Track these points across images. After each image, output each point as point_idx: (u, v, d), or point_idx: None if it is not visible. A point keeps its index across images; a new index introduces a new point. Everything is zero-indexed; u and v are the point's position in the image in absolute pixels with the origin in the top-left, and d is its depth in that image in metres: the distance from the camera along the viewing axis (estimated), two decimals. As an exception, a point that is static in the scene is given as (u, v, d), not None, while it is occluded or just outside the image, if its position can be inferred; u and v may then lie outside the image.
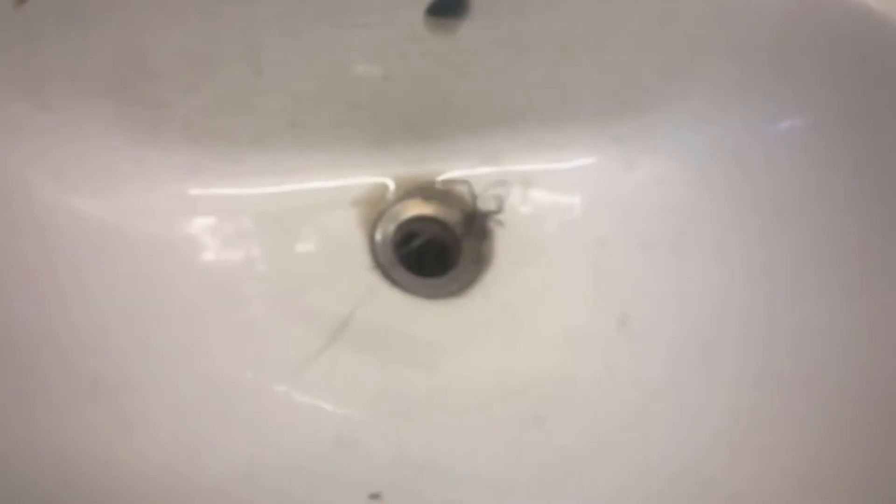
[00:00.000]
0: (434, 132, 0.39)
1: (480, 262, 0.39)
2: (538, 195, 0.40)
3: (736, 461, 0.33)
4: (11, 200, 0.30)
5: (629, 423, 0.34)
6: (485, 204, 0.39)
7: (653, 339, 0.37)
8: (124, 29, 0.29)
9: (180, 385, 0.31)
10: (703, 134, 0.40)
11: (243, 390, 0.32)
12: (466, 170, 0.40)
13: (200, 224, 0.35)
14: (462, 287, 0.38)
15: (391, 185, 0.39)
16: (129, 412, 0.30)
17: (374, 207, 0.39)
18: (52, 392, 0.27)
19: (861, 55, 0.35)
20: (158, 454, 0.29)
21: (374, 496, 0.30)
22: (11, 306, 0.28)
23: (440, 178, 0.40)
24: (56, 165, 0.31)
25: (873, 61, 0.35)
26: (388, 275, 0.38)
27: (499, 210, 0.39)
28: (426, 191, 0.40)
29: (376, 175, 0.39)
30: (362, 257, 0.38)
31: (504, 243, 0.39)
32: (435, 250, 0.40)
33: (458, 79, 0.37)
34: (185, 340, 0.32)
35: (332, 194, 0.38)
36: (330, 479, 0.30)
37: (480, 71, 0.36)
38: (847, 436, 0.33)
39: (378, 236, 0.38)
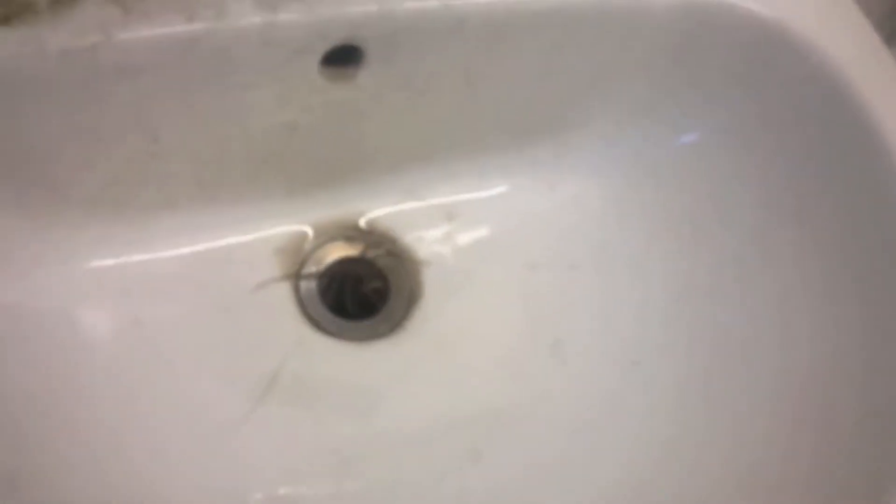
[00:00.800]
0: (349, 174, 0.39)
1: (410, 298, 0.39)
2: (463, 225, 0.41)
3: (670, 477, 0.33)
4: None
5: (567, 450, 0.35)
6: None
7: (584, 361, 0.38)
8: (6, 116, 0.29)
9: (104, 465, 0.31)
10: (617, 151, 0.40)
11: (172, 462, 0.32)
12: (387, 207, 0.40)
13: (114, 294, 0.35)
14: (392, 327, 0.38)
15: (310, 232, 0.39)
16: (52, 498, 0.29)
17: (296, 256, 0.39)
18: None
19: (761, 62, 0.36)
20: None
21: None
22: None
23: (361, 219, 0.40)
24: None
25: (772, 68, 0.36)
26: (315, 322, 0.38)
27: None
28: (348, 232, 0.40)
29: (294, 223, 0.39)
30: (288, 307, 0.38)
31: (432, 277, 0.39)
32: (363, 292, 0.40)
33: (366, 122, 0.37)
34: (107, 417, 0.32)
35: (250, 248, 0.38)
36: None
37: (387, 112, 0.37)
38: (781, 435, 0.34)
39: (303, 284, 0.38)
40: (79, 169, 0.31)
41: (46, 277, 0.33)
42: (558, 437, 0.35)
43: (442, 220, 0.40)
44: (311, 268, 0.39)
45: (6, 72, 0.28)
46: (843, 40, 0.35)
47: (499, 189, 0.41)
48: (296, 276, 0.38)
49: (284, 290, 0.38)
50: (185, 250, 0.36)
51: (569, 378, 0.37)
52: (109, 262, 0.35)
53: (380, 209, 0.40)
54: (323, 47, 0.32)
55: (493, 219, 0.41)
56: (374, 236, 0.40)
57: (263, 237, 0.38)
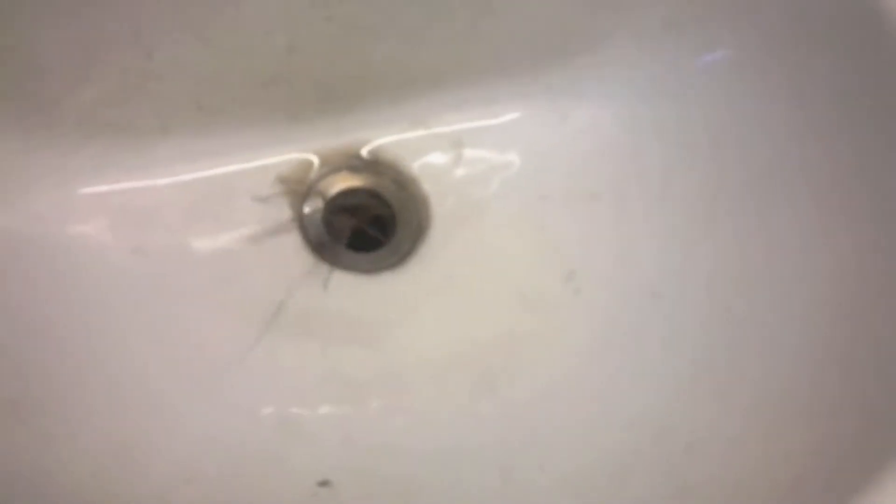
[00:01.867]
0: (354, 100, 0.38)
1: (418, 229, 0.38)
2: (472, 154, 0.39)
3: (695, 409, 0.32)
4: None
5: (582, 381, 0.34)
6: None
7: (601, 292, 0.37)
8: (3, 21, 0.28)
9: (108, 392, 0.30)
10: (635, 75, 0.39)
11: (177, 390, 0.31)
12: (393, 136, 0.39)
13: (114, 221, 0.34)
14: (400, 258, 0.37)
15: (315, 160, 0.38)
16: (56, 427, 0.28)
17: (300, 184, 0.38)
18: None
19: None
20: (91, 464, 0.28)
21: (323, 483, 0.29)
22: None
23: (366, 147, 0.38)
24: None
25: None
26: (321, 253, 0.37)
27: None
28: (353, 162, 0.38)
29: (297, 151, 0.37)
30: (292, 237, 0.37)
31: (440, 208, 0.38)
32: (369, 223, 0.39)
33: (372, 42, 0.35)
34: (109, 344, 0.31)
35: (251, 176, 0.37)
36: (276, 471, 0.30)
37: (395, 31, 0.35)
38: (808, 364, 0.33)
39: (307, 213, 0.37)
40: (72, 85, 0.30)
41: (42, 202, 0.32)
42: (574, 368, 0.34)
43: (450, 148, 0.39)
44: (316, 197, 0.38)
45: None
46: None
47: (510, 116, 0.40)
48: (300, 205, 0.37)
49: (288, 220, 0.37)
50: (185, 177, 0.35)
51: (585, 309, 0.36)
52: (105, 188, 0.34)
53: (386, 137, 0.38)
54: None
55: (505, 148, 0.40)
56: (379, 165, 0.39)
57: (266, 165, 0.37)
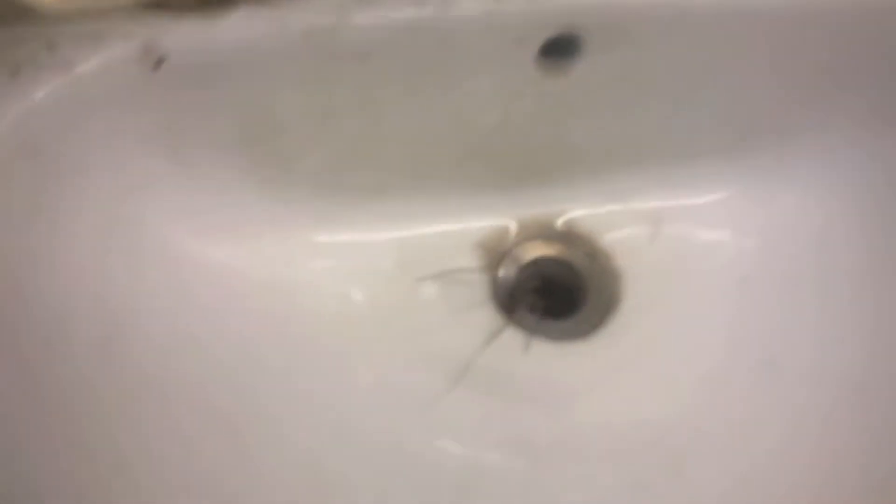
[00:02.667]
0: (554, 173, 0.39)
1: (609, 303, 0.38)
2: (670, 232, 0.39)
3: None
4: (148, 249, 0.33)
5: (772, 473, 0.32)
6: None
7: (798, 382, 0.35)
8: (251, 89, 0.32)
9: (309, 425, 0.32)
10: (844, 163, 0.38)
11: (370, 434, 0.33)
12: (589, 209, 0.40)
13: (326, 269, 0.37)
14: (589, 329, 0.38)
15: (513, 227, 0.39)
16: (258, 446, 0.31)
17: (496, 249, 0.39)
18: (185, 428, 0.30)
19: None
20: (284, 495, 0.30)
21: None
22: (145, 349, 0.30)
23: (561, 218, 0.40)
24: (191, 218, 0.34)
25: None
26: (511, 317, 0.38)
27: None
28: (548, 232, 0.40)
29: (497, 218, 0.39)
30: (485, 300, 0.38)
31: (634, 283, 0.38)
32: (560, 292, 0.39)
33: (577, 119, 0.37)
34: (310, 383, 0.34)
35: (453, 238, 0.39)
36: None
37: (598, 109, 0.37)
38: None
39: (501, 276, 0.39)
40: (307, 146, 0.34)
41: (267, 245, 0.36)
42: (763, 458, 0.33)
43: (648, 225, 0.39)
44: (510, 264, 0.39)
45: (252, 48, 0.31)
46: None
47: (712, 197, 0.39)
48: (495, 269, 0.39)
49: (483, 283, 0.39)
50: (395, 234, 0.38)
51: (777, 400, 0.34)
52: (325, 237, 0.37)
53: (582, 210, 0.40)
54: (542, 36, 0.33)
55: (704, 228, 0.39)
56: (575, 237, 0.40)
57: (467, 228, 0.39)
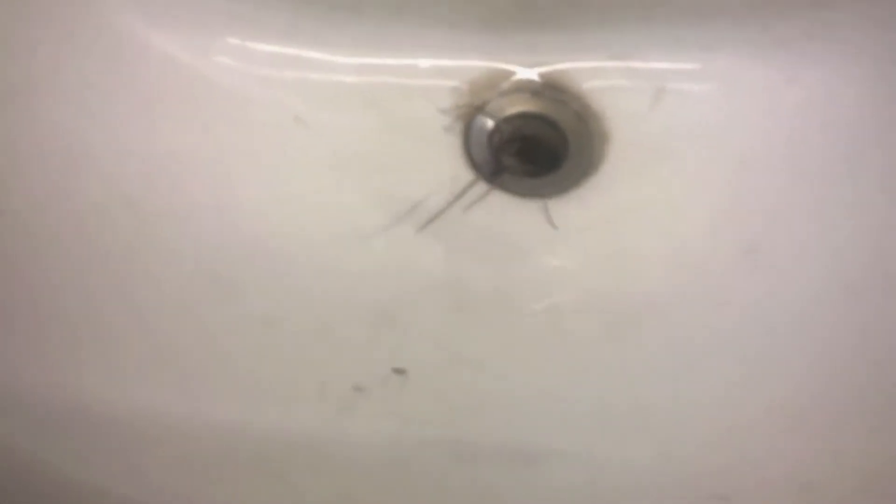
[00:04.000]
0: (553, 19, 0.35)
1: (587, 166, 0.35)
2: (671, 99, 0.35)
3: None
4: (96, 29, 0.31)
5: (726, 354, 0.28)
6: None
7: (784, 275, 0.31)
8: None
9: (232, 233, 0.30)
10: (885, 42, 0.32)
11: (296, 249, 0.31)
12: (587, 63, 0.36)
13: (290, 86, 0.35)
14: (558, 190, 0.34)
15: (498, 73, 0.36)
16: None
17: (475, 96, 0.36)
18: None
19: None
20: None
21: (399, 371, 0.27)
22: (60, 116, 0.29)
23: (554, 72, 0.36)
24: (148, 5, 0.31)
25: None
26: (479, 169, 0.35)
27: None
28: (535, 84, 0.36)
29: (483, 60, 0.36)
30: (453, 146, 0.35)
31: (620, 148, 0.35)
32: (539, 151, 0.36)
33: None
34: (244, 194, 0.32)
35: (432, 75, 0.36)
36: (359, 348, 0.28)
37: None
38: None
39: (476, 125, 0.35)
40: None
41: (227, 51, 0.34)
42: (723, 340, 0.29)
43: (647, 89, 0.35)
44: (487, 112, 0.36)
45: None
46: None
47: (727, 65, 0.35)
48: (469, 116, 0.36)
49: (456, 128, 0.35)
50: (365, 60, 0.35)
51: (754, 288, 0.30)
52: (293, 51, 0.35)
53: (578, 64, 0.36)
54: None
55: (710, 98, 0.35)
56: (564, 93, 0.36)
57: (448, 67, 0.36)
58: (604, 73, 0.36)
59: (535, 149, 0.36)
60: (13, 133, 0.27)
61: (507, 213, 0.34)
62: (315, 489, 0.21)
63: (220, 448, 0.21)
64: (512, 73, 0.36)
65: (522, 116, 0.36)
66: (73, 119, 0.29)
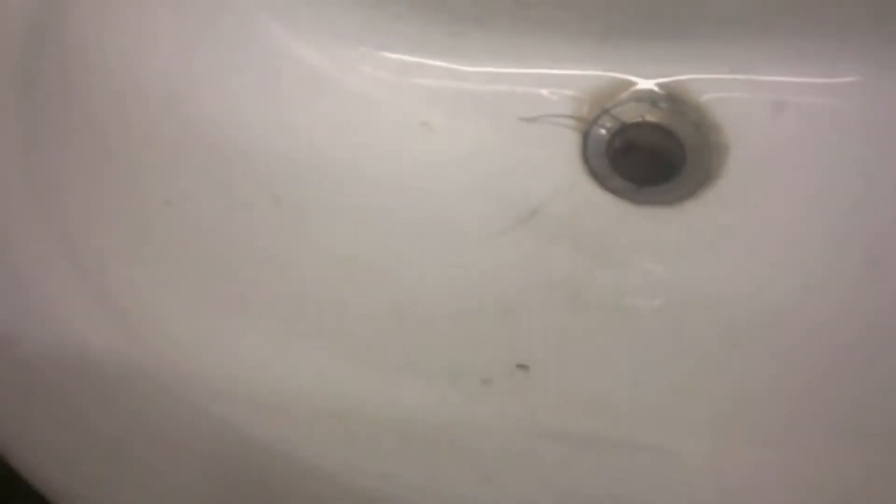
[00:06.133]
0: (675, 30, 0.36)
1: (705, 177, 0.35)
2: (791, 112, 0.35)
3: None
4: (243, 36, 0.33)
5: (846, 367, 0.28)
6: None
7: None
8: None
9: (353, 229, 0.32)
10: None
11: (424, 245, 0.33)
12: (707, 75, 0.36)
13: (414, 93, 0.36)
14: (676, 199, 0.35)
15: (616, 84, 0.37)
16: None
17: (595, 105, 0.37)
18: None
19: None
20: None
21: (522, 367, 0.28)
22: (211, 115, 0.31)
23: (675, 83, 0.36)
24: (286, 6, 0.34)
25: None
26: (596, 175, 0.36)
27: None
28: (655, 94, 0.37)
29: (604, 70, 0.37)
30: (572, 154, 0.36)
31: (739, 160, 0.35)
32: (656, 160, 0.37)
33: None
34: (365, 194, 0.33)
35: (552, 84, 0.37)
36: (481, 343, 0.29)
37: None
38: None
39: (594, 135, 0.36)
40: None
41: (360, 58, 0.36)
42: (838, 357, 0.29)
43: (766, 101, 0.36)
44: (606, 121, 0.37)
45: None
46: None
47: (849, 79, 0.35)
48: (589, 125, 0.37)
49: (574, 136, 0.36)
50: (488, 69, 0.37)
51: (876, 301, 0.30)
52: (419, 60, 0.36)
53: (697, 75, 0.36)
54: None
55: (834, 112, 0.35)
56: (683, 104, 0.36)
57: (568, 76, 0.37)
58: (723, 85, 0.36)
59: (654, 158, 0.37)
60: (178, 132, 0.30)
61: (624, 218, 0.34)
62: (456, 470, 0.22)
63: (368, 424, 0.23)
64: (632, 84, 0.37)
65: (641, 126, 0.37)
66: (227, 120, 0.32)
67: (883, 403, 0.27)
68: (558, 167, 0.36)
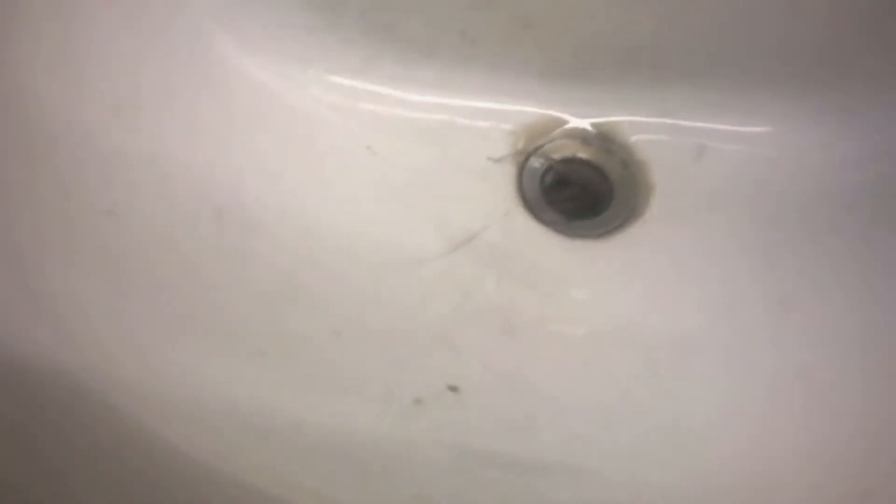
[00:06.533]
0: (608, 74, 0.38)
1: (630, 213, 0.37)
2: (712, 157, 0.38)
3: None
4: (193, 51, 0.33)
5: (761, 399, 0.30)
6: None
7: (810, 324, 0.33)
8: None
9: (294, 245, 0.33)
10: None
11: (360, 270, 0.33)
12: (635, 118, 0.38)
13: (360, 117, 0.37)
14: (602, 233, 0.37)
15: (551, 121, 0.39)
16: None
17: (531, 140, 0.39)
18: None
19: None
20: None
21: (453, 388, 0.29)
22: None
23: (605, 123, 0.39)
24: (239, 24, 0.34)
25: None
26: (529, 205, 0.37)
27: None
28: (586, 133, 0.39)
29: (540, 107, 0.39)
30: (507, 185, 0.38)
31: (663, 199, 0.37)
32: (586, 195, 0.39)
33: (641, 13, 0.35)
34: (310, 213, 0.34)
35: (492, 118, 0.38)
36: (411, 363, 0.30)
37: (665, 8, 0.35)
38: None
39: (529, 168, 0.38)
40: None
41: (310, 78, 0.37)
42: (755, 383, 0.31)
43: (690, 146, 0.38)
44: (540, 156, 0.38)
45: None
46: None
47: (763, 129, 0.38)
48: (524, 158, 0.38)
49: (509, 169, 0.38)
50: (433, 99, 0.38)
51: (781, 336, 0.33)
52: (366, 86, 0.37)
53: (627, 117, 0.38)
54: None
55: (749, 160, 0.38)
56: (612, 143, 0.39)
57: (506, 111, 0.38)
58: (650, 127, 0.39)
59: (584, 193, 0.39)
60: (119, 141, 0.30)
61: (554, 249, 0.36)
62: (387, 488, 0.23)
63: (302, 441, 0.23)
64: (565, 122, 0.39)
65: (572, 161, 0.39)
66: (170, 132, 0.32)
67: (788, 419, 0.29)
68: (495, 196, 0.37)
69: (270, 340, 0.28)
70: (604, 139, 0.39)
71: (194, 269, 0.29)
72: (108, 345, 0.26)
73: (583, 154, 0.39)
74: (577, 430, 0.28)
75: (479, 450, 0.26)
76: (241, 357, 0.26)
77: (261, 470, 0.22)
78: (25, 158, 0.27)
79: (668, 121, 0.38)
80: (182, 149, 0.32)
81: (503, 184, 0.38)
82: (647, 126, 0.39)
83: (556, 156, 0.39)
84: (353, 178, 0.36)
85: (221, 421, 0.23)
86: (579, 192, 0.39)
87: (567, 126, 0.39)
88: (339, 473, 0.22)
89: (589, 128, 0.39)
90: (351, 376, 0.28)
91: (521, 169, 0.38)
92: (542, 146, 0.39)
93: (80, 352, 0.25)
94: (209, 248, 0.30)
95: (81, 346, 0.25)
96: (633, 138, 0.39)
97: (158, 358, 0.26)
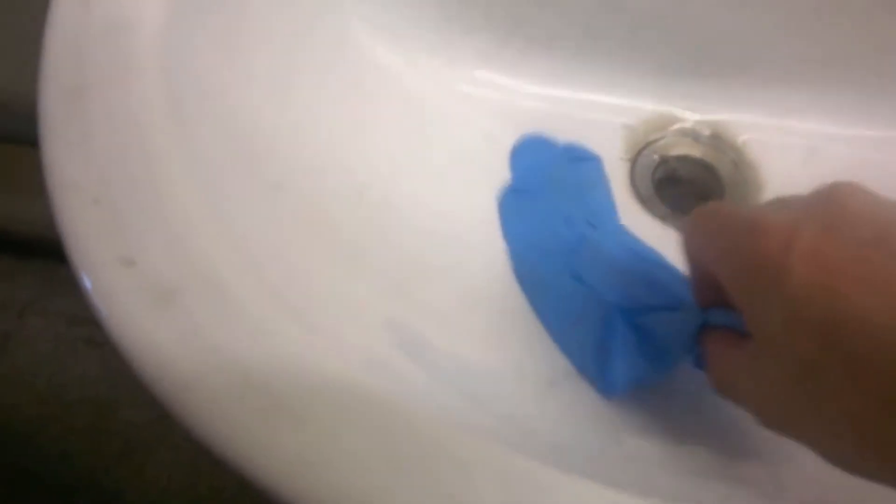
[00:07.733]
0: (724, 74, 0.39)
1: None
2: (823, 160, 0.38)
3: None
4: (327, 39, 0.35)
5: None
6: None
7: None
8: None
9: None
10: None
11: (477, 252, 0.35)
12: (749, 117, 0.39)
13: (481, 105, 0.38)
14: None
15: (666, 118, 0.39)
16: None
17: (644, 136, 0.39)
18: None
19: None
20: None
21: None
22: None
23: (718, 122, 0.39)
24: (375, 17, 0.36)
25: None
26: (642, 201, 0.38)
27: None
28: (698, 132, 0.39)
29: (655, 103, 0.40)
30: (621, 178, 0.38)
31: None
32: (697, 191, 0.39)
33: (760, 16, 0.36)
34: (425, 199, 0.35)
35: (609, 112, 0.39)
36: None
37: (792, 12, 0.36)
38: None
39: (641, 163, 0.39)
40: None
41: (433, 65, 0.38)
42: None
43: (801, 147, 0.39)
44: (653, 151, 0.39)
45: None
46: None
47: (876, 133, 0.38)
48: (637, 153, 0.39)
49: (621, 164, 0.39)
50: (552, 91, 0.39)
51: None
52: (484, 74, 0.39)
53: (739, 116, 0.39)
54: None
55: (860, 164, 0.38)
56: (723, 142, 0.39)
57: (620, 106, 0.39)
58: (762, 127, 0.39)
59: (694, 189, 0.39)
60: (277, 120, 0.32)
61: (664, 241, 0.37)
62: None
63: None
64: (680, 119, 0.39)
65: (685, 158, 0.40)
66: (314, 113, 0.34)
67: None
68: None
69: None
70: (716, 137, 0.40)
71: (351, 243, 0.30)
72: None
73: (695, 152, 0.40)
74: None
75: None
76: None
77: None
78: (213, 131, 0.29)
79: (781, 121, 0.39)
80: (325, 129, 0.34)
81: (616, 176, 0.39)
82: (759, 126, 0.39)
83: (670, 153, 0.40)
84: (476, 164, 0.38)
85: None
86: (690, 189, 0.40)
87: (681, 125, 0.40)
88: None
89: (702, 126, 0.40)
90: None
91: (634, 163, 0.39)
92: (655, 141, 0.40)
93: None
94: (359, 220, 0.31)
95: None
96: (745, 137, 0.39)
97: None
